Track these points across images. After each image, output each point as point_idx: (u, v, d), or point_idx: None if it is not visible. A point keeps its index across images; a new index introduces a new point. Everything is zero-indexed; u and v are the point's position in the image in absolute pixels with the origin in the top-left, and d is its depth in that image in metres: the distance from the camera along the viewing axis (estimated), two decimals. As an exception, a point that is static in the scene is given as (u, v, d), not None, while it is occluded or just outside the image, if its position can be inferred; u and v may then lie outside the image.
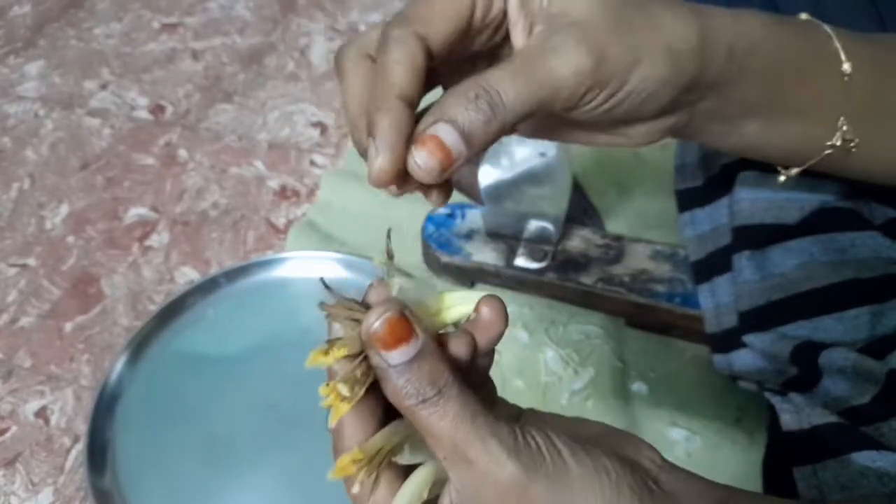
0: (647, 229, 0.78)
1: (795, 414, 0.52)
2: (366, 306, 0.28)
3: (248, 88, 1.08)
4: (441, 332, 0.29)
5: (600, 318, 0.73)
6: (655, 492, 0.28)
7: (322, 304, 0.28)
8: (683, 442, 0.65)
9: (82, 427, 0.70)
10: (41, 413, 0.73)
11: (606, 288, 0.70)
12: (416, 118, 0.30)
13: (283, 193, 0.92)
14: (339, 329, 0.28)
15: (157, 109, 1.05)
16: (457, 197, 0.83)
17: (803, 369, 0.55)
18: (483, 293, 0.30)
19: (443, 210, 0.78)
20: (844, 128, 0.37)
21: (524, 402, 0.69)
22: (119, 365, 0.72)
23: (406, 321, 0.26)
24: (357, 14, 1.21)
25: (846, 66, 0.37)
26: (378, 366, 0.26)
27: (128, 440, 0.68)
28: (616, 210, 0.82)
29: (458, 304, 0.30)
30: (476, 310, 0.29)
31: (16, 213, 0.92)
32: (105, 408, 0.70)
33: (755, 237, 0.61)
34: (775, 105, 0.37)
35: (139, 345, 0.74)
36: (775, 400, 0.54)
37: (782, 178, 0.42)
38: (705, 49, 0.33)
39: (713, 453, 0.64)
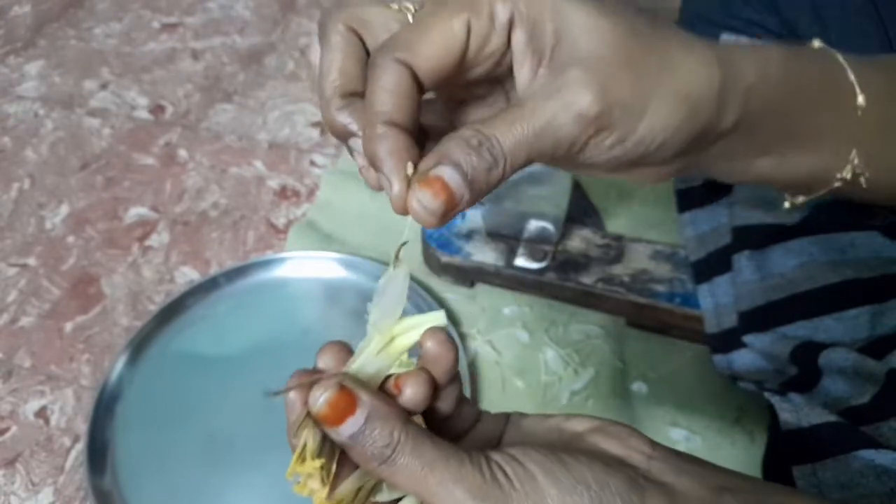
0: (647, 229, 0.78)
1: (795, 413, 0.52)
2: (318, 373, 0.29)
3: (248, 88, 1.08)
4: (399, 371, 0.30)
5: (600, 317, 0.74)
6: (646, 487, 0.27)
7: (287, 408, 0.29)
8: (684, 442, 0.65)
9: (82, 427, 0.70)
10: (41, 413, 0.73)
11: (606, 288, 0.70)
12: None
13: (283, 193, 0.92)
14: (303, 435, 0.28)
15: (157, 109, 1.05)
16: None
17: (803, 369, 0.55)
18: (432, 316, 0.31)
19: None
20: (856, 161, 0.36)
21: (524, 402, 0.69)
22: (119, 365, 0.72)
23: (347, 394, 0.27)
24: (357, 14, 1.21)
25: (860, 99, 0.36)
26: (335, 440, 0.27)
27: (128, 440, 0.68)
28: (616, 210, 0.82)
29: (410, 329, 0.31)
30: (420, 345, 0.30)
31: (16, 212, 0.92)
32: (105, 408, 0.70)
33: (755, 237, 0.61)
34: (790, 142, 0.36)
35: (139, 345, 0.74)
36: (774, 399, 0.54)
37: (787, 204, 0.41)
38: (724, 96, 0.31)
39: (713, 453, 0.64)
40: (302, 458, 0.27)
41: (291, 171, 0.95)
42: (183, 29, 1.20)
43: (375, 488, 0.28)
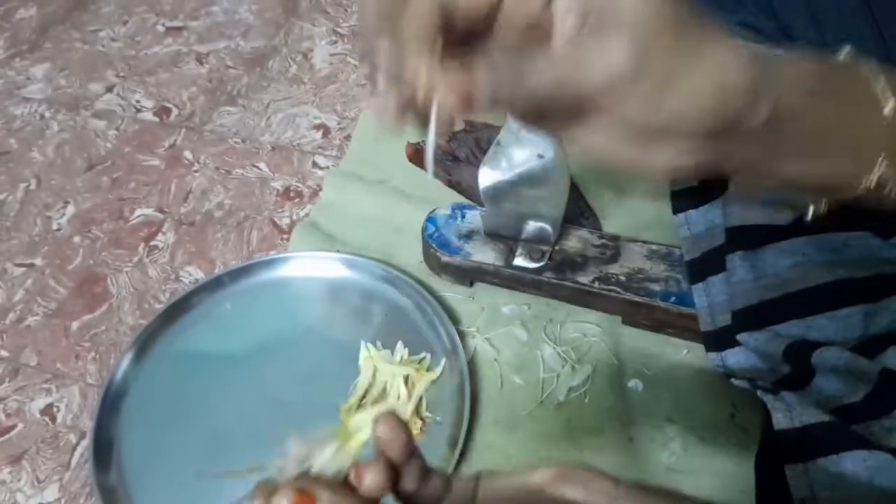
0: (643, 229, 0.79)
1: (787, 412, 0.52)
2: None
3: (251, 91, 1.09)
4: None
5: (597, 316, 0.74)
6: None
7: None
8: (678, 438, 0.66)
9: (88, 424, 0.71)
10: (47, 410, 0.74)
11: (603, 287, 0.71)
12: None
13: (287, 194, 0.93)
14: None
15: (162, 111, 1.07)
16: (457, 198, 0.84)
17: (796, 368, 0.56)
18: (375, 412, 0.33)
19: (443, 211, 0.79)
20: (884, 167, 0.36)
21: (523, 399, 0.70)
22: (124, 363, 0.73)
23: (306, 496, 0.29)
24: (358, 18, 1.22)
25: (888, 108, 0.36)
26: None
27: (133, 437, 0.69)
28: (612, 211, 0.83)
29: (361, 428, 0.33)
30: (374, 431, 0.32)
31: (22, 213, 0.93)
32: (110, 405, 0.70)
33: (749, 237, 0.61)
34: (818, 147, 0.36)
35: (144, 343, 0.75)
36: (767, 398, 0.55)
37: (810, 215, 0.41)
38: (756, 90, 0.31)
39: (707, 449, 0.65)
40: None
41: (294, 173, 0.96)
42: (187, 32, 1.21)
43: None
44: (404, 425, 0.32)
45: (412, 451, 0.33)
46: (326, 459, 0.32)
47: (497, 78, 0.28)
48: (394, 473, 0.32)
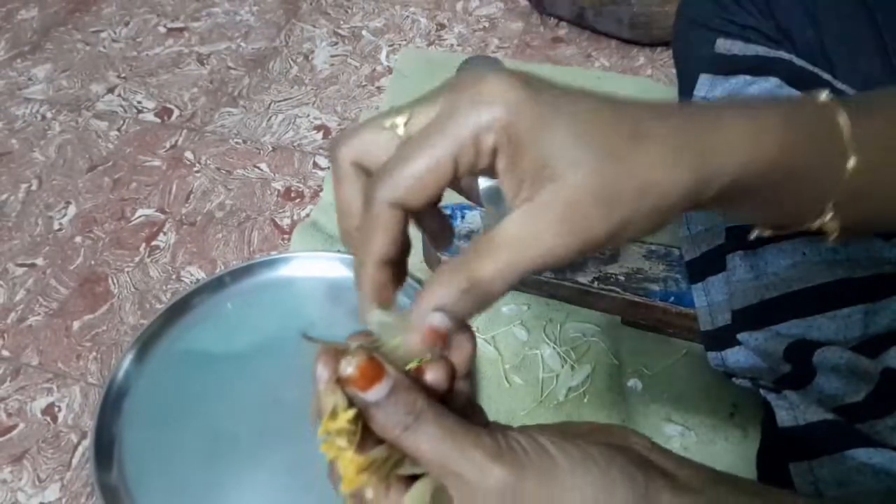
0: (644, 230, 0.79)
1: (791, 411, 0.52)
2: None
3: (252, 92, 1.09)
4: (420, 361, 0.31)
5: (596, 316, 0.75)
6: (649, 470, 0.29)
7: (314, 379, 0.30)
8: (678, 437, 0.66)
9: (89, 424, 0.71)
10: (48, 410, 0.74)
11: (602, 287, 0.71)
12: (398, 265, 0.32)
13: (287, 195, 0.93)
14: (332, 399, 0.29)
15: (163, 112, 1.07)
16: (456, 198, 0.84)
17: (796, 367, 0.56)
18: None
19: (443, 211, 0.79)
20: (828, 217, 0.36)
21: (523, 398, 0.70)
22: (126, 363, 0.73)
23: (375, 362, 0.28)
24: (359, 19, 1.22)
25: (851, 163, 0.35)
26: (360, 406, 0.28)
27: (134, 436, 0.69)
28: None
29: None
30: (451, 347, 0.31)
31: (24, 213, 0.93)
32: (112, 405, 0.70)
33: (748, 237, 0.62)
34: (768, 203, 0.36)
35: (145, 343, 0.75)
36: (770, 397, 0.55)
37: (754, 234, 0.41)
38: (702, 188, 0.31)
39: (708, 448, 0.65)
40: (333, 417, 0.29)
41: (295, 173, 0.96)
42: (189, 34, 1.21)
43: (399, 463, 0.29)
44: (473, 336, 0.32)
45: (469, 367, 0.32)
46: (393, 345, 0.31)
47: (466, 300, 0.29)
48: (451, 380, 0.31)
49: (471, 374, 0.33)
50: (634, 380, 0.70)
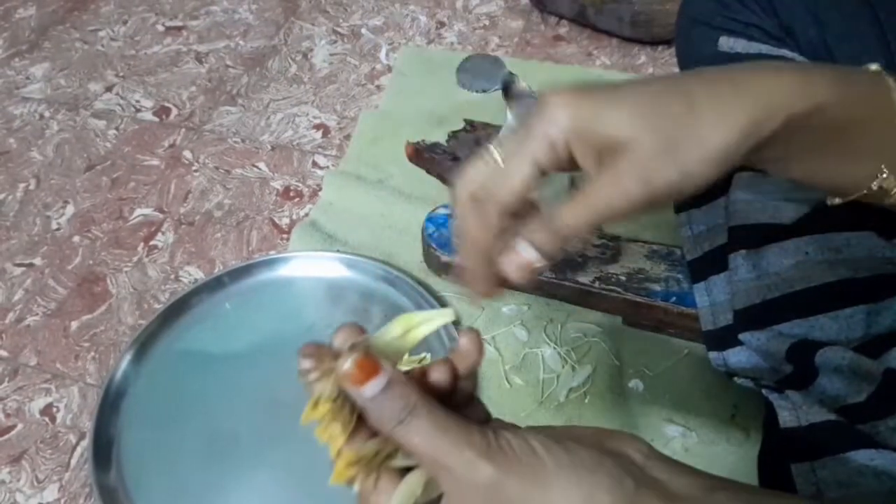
0: (644, 229, 0.79)
1: (793, 411, 0.52)
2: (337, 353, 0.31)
3: (251, 91, 1.09)
4: (421, 361, 0.34)
5: (597, 316, 0.74)
6: (639, 477, 0.29)
7: (300, 373, 0.32)
8: (679, 438, 0.66)
9: (87, 424, 0.70)
10: (47, 410, 0.74)
11: (603, 287, 0.71)
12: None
13: (286, 194, 0.93)
14: (319, 387, 0.31)
15: (161, 111, 1.07)
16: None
17: (798, 367, 0.56)
18: (443, 312, 0.35)
19: (442, 210, 0.79)
20: (884, 175, 0.38)
21: (523, 399, 0.70)
22: (124, 363, 0.73)
23: (372, 359, 0.30)
24: (358, 18, 1.22)
25: None
26: (356, 401, 0.30)
27: (132, 437, 0.69)
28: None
29: (422, 323, 0.34)
30: (459, 339, 0.34)
31: (22, 213, 0.93)
32: (110, 405, 0.70)
33: (751, 237, 0.61)
34: (826, 155, 0.38)
35: (144, 343, 0.75)
36: (773, 397, 0.55)
37: (829, 202, 0.43)
38: (757, 134, 0.34)
39: (709, 449, 0.65)
40: (315, 405, 0.30)
41: (294, 173, 0.96)
42: (187, 32, 1.21)
43: (391, 455, 0.31)
44: (482, 347, 0.34)
45: (475, 373, 0.34)
46: (383, 342, 0.33)
47: (551, 241, 0.35)
48: (454, 380, 0.33)
49: (474, 375, 0.34)
50: (636, 380, 0.70)
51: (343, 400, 0.30)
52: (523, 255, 0.35)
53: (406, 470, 0.31)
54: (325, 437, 0.30)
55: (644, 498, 0.28)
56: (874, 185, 0.39)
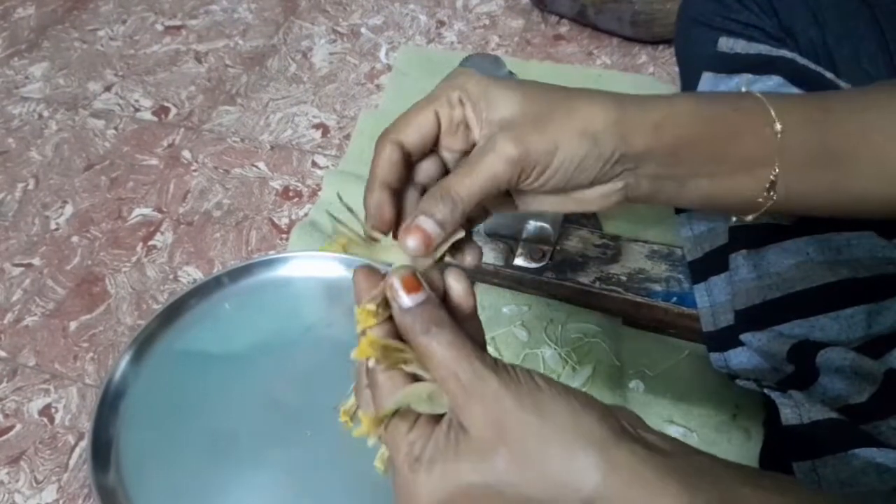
0: (644, 229, 0.79)
1: (795, 409, 0.52)
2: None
3: (250, 90, 1.09)
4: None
5: (598, 316, 0.74)
6: (629, 431, 0.32)
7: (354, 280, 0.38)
8: (680, 438, 0.66)
9: (86, 425, 0.71)
10: (45, 411, 0.73)
11: (604, 287, 0.71)
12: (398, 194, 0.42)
13: (286, 194, 0.93)
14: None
15: (160, 111, 1.06)
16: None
17: (799, 368, 0.56)
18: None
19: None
20: (772, 178, 0.42)
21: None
22: (123, 363, 0.72)
23: (415, 278, 0.35)
24: (358, 17, 1.22)
25: (777, 126, 0.42)
26: (395, 310, 0.35)
27: (131, 438, 0.69)
28: (613, 210, 0.82)
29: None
30: (446, 284, 0.38)
31: (20, 213, 0.93)
32: (109, 406, 0.70)
33: (752, 237, 0.61)
34: (716, 166, 0.42)
35: (143, 343, 0.74)
36: (775, 395, 0.55)
37: (734, 219, 0.49)
38: (624, 126, 0.39)
39: (710, 449, 0.63)
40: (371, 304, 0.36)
41: (294, 172, 0.96)
42: (186, 31, 1.21)
43: (407, 363, 0.35)
44: (471, 287, 0.38)
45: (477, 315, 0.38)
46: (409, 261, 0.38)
47: (442, 205, 0.38)
48: (474, 301, 0.38)
49: (478, 318, 0.38)
50: (636, 381, 0.70)
51: (384, 306, 0.35)
52: (421, 226, 0.38)
53: (415, 380, 0.35)
54: (361, 317, 0.35)
55: (627, 442, 0.31)
56: (767, 194, 0.43)
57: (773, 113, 0.42)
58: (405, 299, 0.34)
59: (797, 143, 0.42)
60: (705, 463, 0.32)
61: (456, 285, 0.37)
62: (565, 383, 0.34)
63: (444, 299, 0.37)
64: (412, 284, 0.35)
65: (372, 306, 0.35)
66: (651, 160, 0.40)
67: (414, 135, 0.41)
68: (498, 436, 0.31)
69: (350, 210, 0.45)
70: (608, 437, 0.31)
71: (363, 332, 0.36)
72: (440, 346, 0.33)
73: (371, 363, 0.35)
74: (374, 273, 0.38)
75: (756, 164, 0.42)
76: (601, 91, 0.41)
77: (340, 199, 0.46)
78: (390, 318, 0.36)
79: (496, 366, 0.33)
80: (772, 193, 0.43)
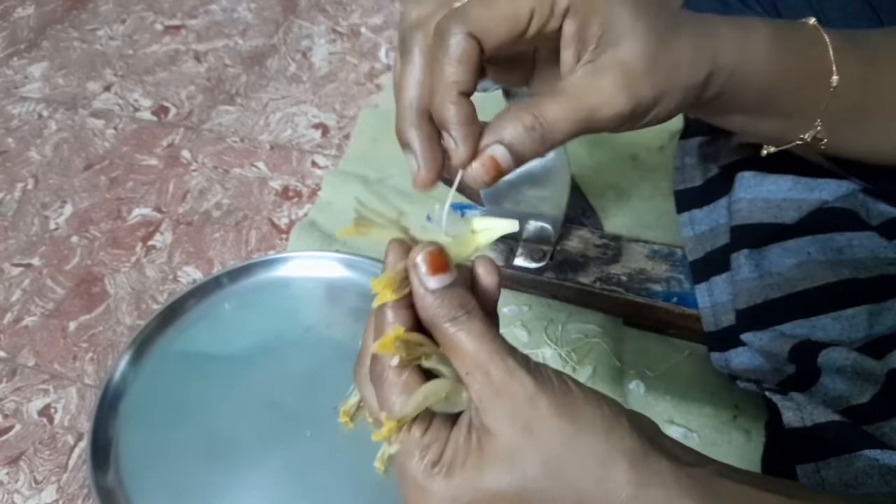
0: (645, 229, 0.79)
1: (797, 411, 0.52)
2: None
3: (250, 90, 1.09)
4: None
5: (598, 317, 0.74)
6: (655, 441, 0.30)
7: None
8: (681, 439, 0.64)
9: (86, 425, 0.70)
10: (45, 411, 0.73)
11: (604, 287, 0.71)
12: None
13: (285, 194, 0.93)
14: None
15: (160, 111, 1.06)
16: (457, 197, 0.83)
17: (801, 368, 0.56)
18: (506, 223, 0.35)
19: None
20: (818, 127, 0.42)
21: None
22: (122, 363, 0.72)
23: (444, 256, 0.31)
24: (358, 16, 1.21)
25: (834, 80, 0.40)
26: (417, 291, 0.31)
27: (131, 438, 0.69)
28: (614, 210, 0.82)
29: (487, 230, 0.35)
30: (474, 273, 0.34)
31: (20, 212, 0.93)
32: (108, 406, 0.70)
33: (753, 236, 0.61)
34: (762, 108, 0.41)
35: (142, 343, 0.74)
36: (776, 398, 0.55)
37: (764, 152, 0.47)
38: (711, 78, 0.37)
39: (710, 450, 0.64)
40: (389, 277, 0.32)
41: (293, 172, 0.95)
42: (185, 31, 1.20)
43: (426, 357, 0.32)
44: (499, 273, 0.35)
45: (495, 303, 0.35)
46: (450, 243, 0.33)
47: (530, 138, 0.33)
48: (498, 290, 0.35)
49: (497, 316, 0.36)
50: (636, 381, 0.70)
51: (406, 281, 0.31)
52: (495, 156, 0.32)
53: (431, 378, 0.32)
54: (378, 288, 0.31)
55: (655, 454, 0.30)
56: (807, 137, 0.42)
57: (833, 66, 0.40)
58: (430, 280, 0.30)
59: (843, 97, 0.41)
60: (721, 472, 0.32)
61: (487, 277, 0.34)
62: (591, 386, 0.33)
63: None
64: (439, 263, 0.30)
65: (393, 278, 0.31)
66: (710, 103, 0.39)
67: (500, 34, 0.32)
68: (528, 441, 0.29)
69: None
70: (637, 448, 0.30)
71: (380, 309, 0.32)
72: (469, 338, 0.30)
73: (395, 361, 0.31)
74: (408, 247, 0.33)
75: (798, 112, 0.42)
76: (696, 26, 0.37)
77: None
78: (409, 297, 0.31)
79: (528, 363, 0.30)
80: (802, 137, 0.42)
